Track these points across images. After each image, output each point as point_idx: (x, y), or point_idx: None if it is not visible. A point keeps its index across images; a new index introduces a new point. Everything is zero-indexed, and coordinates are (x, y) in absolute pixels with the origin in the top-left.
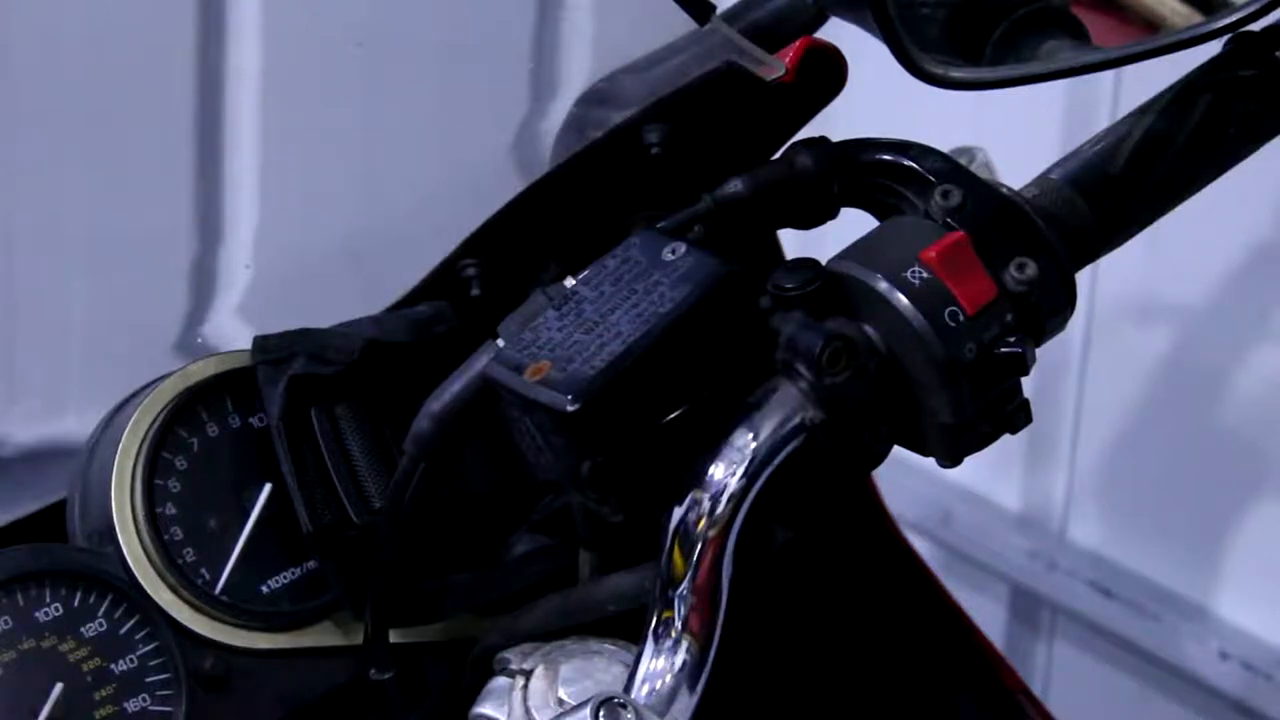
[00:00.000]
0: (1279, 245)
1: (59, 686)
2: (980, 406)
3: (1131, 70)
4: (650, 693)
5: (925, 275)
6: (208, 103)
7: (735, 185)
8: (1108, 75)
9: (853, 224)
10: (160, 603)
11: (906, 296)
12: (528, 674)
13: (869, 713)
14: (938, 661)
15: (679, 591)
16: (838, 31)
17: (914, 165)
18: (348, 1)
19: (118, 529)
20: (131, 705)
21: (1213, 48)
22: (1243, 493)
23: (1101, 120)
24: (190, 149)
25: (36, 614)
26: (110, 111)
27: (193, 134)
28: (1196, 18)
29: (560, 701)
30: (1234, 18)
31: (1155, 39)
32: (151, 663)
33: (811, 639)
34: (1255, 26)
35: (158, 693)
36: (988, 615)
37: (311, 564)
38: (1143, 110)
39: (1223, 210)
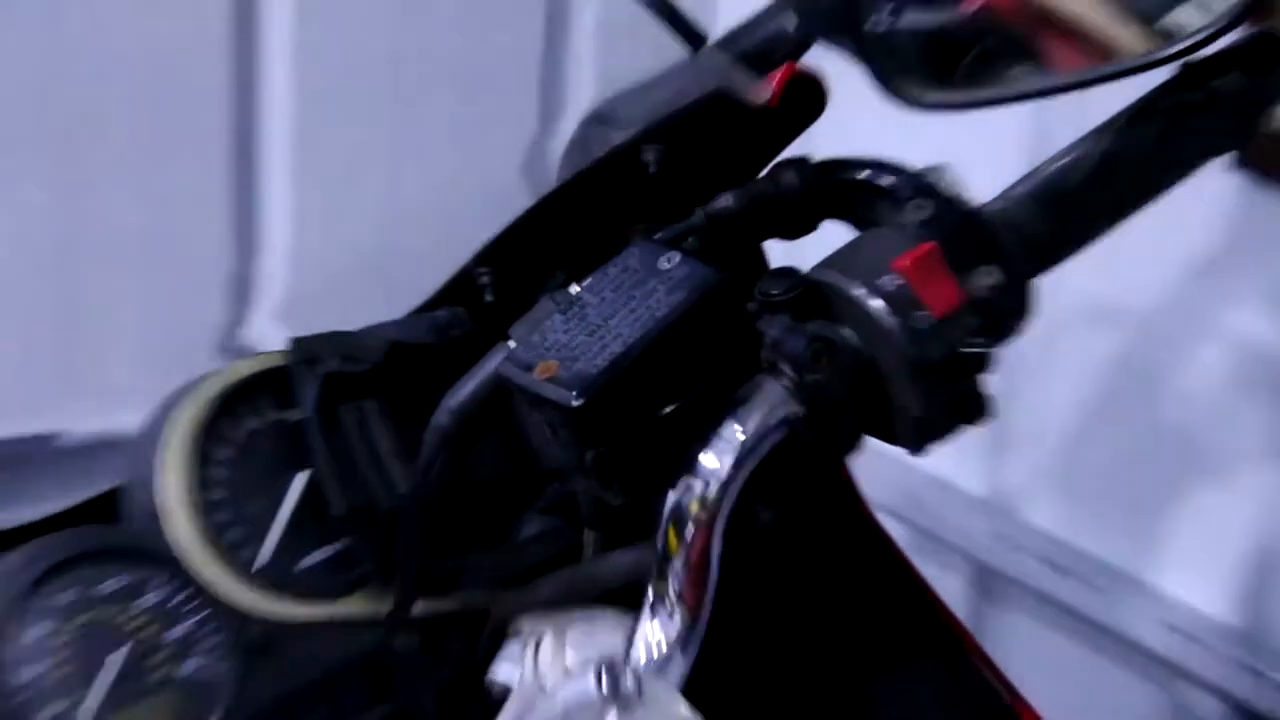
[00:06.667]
0: (1213, 257)
1: (120, 651)
2: (946, 401)
3: (1093, 94)
4: (648, 656)
5: (898, 282)
6: (243, 129)
7: (726, 200)
8: (1068, 98)
9: (840, 234)
10: (208, 577)
11: (881, 301)
12: (539, 640)
13: (844, 678)
14: (906, 631)
15: (673, 567)
16: (823, 57)
17: (889, 182)
18: (373, 32)
19: (169, 512)
20: (185, 669)
21: (1164, 73)
22: (1181, 480)
23: (1062, 139)
24: (228, 171)
25: (99, 587)
26: (155, 136)
27: (230, 157)
28: (1148, 46)
29: (567, 664)
30: (1180, 46)
31: (1111, 65)
32: (201, 630)
33: (792, 611)
34: (1203, 53)
35: (207, 657)
36: (953, 590)
37: (341, 543)
38: (1099, 131)
39: (1164, 224)
